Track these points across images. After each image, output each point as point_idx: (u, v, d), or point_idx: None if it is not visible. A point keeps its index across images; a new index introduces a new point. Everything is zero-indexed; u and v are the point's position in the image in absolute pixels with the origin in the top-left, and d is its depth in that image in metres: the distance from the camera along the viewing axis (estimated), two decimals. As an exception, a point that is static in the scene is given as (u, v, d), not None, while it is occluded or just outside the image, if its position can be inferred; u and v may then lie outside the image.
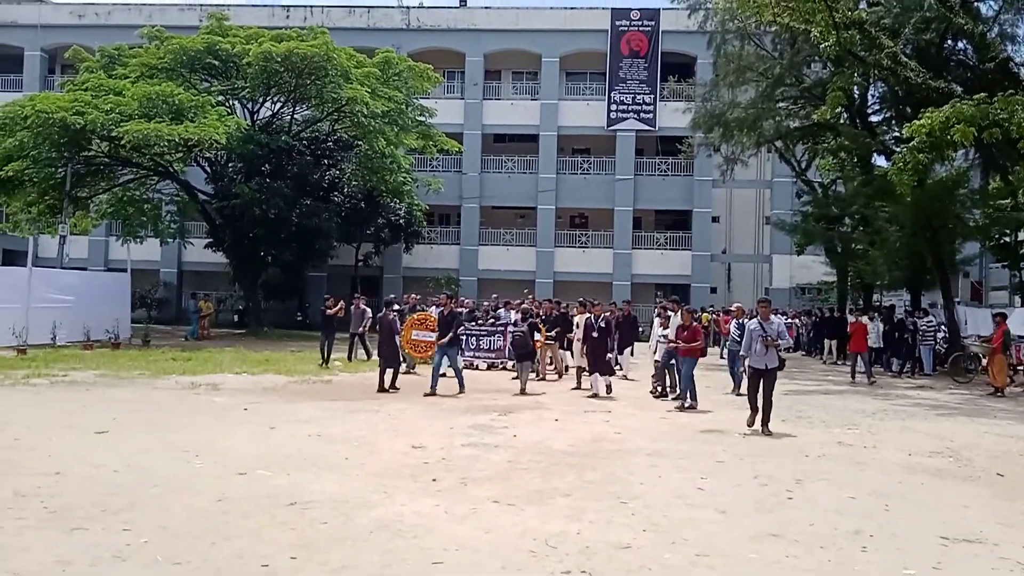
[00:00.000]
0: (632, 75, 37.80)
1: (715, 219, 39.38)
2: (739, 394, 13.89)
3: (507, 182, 39.06)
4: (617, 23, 37.89)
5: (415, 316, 16.33)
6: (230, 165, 29.29)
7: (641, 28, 37.84)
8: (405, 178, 30.21)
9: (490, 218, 39.52)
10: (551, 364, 17.90)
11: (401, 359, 15.41)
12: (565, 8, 38.94)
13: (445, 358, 14.21)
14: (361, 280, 35.71)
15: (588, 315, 15.02)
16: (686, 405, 12.81)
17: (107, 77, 26.72)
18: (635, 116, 37.94)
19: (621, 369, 17.58)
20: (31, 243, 20.99)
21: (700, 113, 26.93)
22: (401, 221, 34.37)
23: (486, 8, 39.75)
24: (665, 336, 14.42)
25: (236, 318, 35.09)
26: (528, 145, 39.42)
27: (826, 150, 28.39)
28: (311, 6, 39.46)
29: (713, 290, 38.93)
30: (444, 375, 14.24)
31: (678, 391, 13.68)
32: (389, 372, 14.26)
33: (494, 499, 6.70)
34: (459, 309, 17.01)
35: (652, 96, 37.76)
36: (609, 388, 14.54)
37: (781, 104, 25.49)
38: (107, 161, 27.77)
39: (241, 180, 27.66)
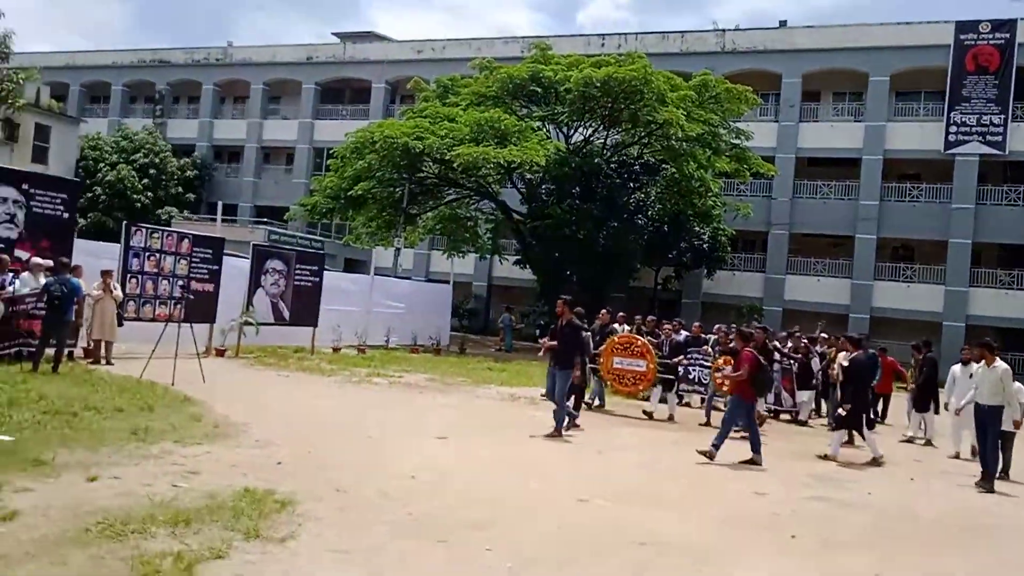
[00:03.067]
0: (978, 93, 33.62)
1: (1077, 255, 33.66)
2: None
3: (821, 208, 36.56)
4: (962, 36, 33.94)
5: (617, 339, 14.01)
6: (543, 187, 30.42)
7: (992, 41, 33.55)
8: (715, 202, 29.30)
9: (800, 246, 37.20)
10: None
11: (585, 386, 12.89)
12: (899, 23, 35.64)
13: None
14: (659, 304, 35.33)
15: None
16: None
17: (441, 105, 29.01)
18: (979, 138, 33.69)
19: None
20: (372, 255, 23.25)
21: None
22: (705, 246, 33.50)
23: (808, 27, 37.71)
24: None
25: (538, 332, 36.27)
26: (847, 170, 36.61)
27: None
28: (625, 33, 40.07)
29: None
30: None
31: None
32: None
33: (874, 574, 5.83)
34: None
35: (1002, 116, 33.29)
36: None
37: None
38: (436, 182, 30.06)
39: (554, 201, 28.55)
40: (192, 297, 14.38)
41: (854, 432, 11.61)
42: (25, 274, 12.27)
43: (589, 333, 13.07)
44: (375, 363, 18.31)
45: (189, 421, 8.96)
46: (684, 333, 17.54)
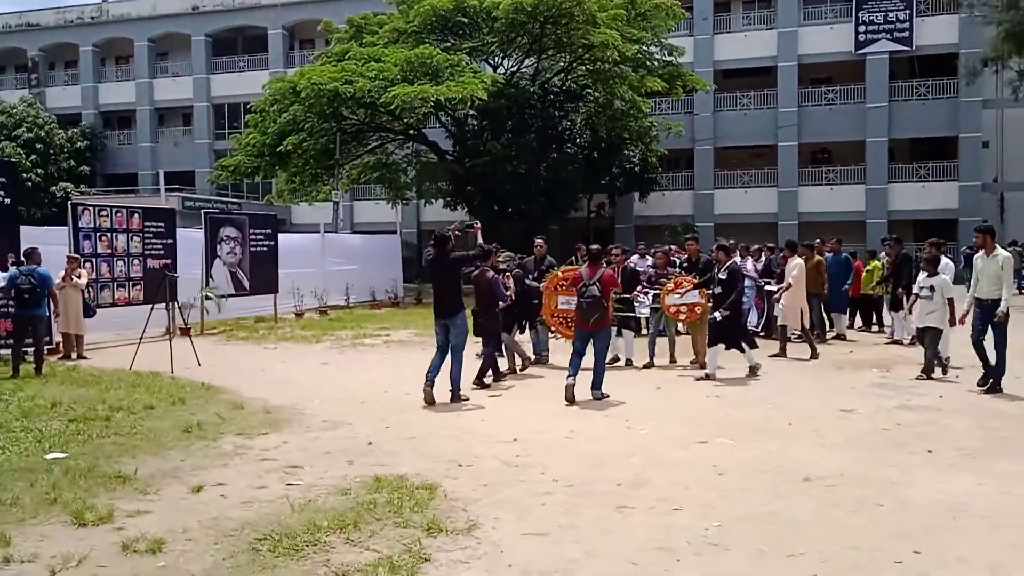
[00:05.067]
0: (884, -10, 34.23)
1: (985, 144, 35.19)
2: None
3: (742, 120, 36.89)
4: (864, -66, 34.34)
5: (560, 272, 11.15)
6: (470, 123, 29.46)
7: (893, -63, 34.07)
8: (650, 123, 29.08)
9: (725, 160, 37.62)
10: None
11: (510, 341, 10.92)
12: (803, -78, 35.74)
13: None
14: (593, 232, 35.22)
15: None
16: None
17: (359, 46, 27.46)
18: (887, 36, 34.45)
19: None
20: (289, 212, 21.80)
21: (1010, 21, 23.67)
22: (636, 169, 33.38)
23: (714, -68, 37.30)
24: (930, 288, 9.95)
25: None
26: (763, 79, 36.97)
27: None
28: (531, -46, 38.73)
29: (985, 223, 34.97)
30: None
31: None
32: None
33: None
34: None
35: (907, 12, 34.08)
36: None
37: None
38: (362, 128, 28.68)
39: (488, 137, 27.70)
40: (178, 276, 13.17)
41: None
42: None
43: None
44: (348, 324, 17.47)
45: (232, 410, 8.15)
46: (636, 258, 17.37)
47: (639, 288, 11.53)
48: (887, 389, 9.23)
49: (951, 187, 34.40)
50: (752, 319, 14.71)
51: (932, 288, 9.75)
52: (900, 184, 35.11)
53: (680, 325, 11.90)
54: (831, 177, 36.40)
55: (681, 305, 11.19)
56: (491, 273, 9.76)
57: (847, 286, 14.34)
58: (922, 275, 10.10)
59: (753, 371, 10.23)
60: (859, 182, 35.48)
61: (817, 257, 13.60)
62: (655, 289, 11.81)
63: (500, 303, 9.75)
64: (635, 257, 17.29)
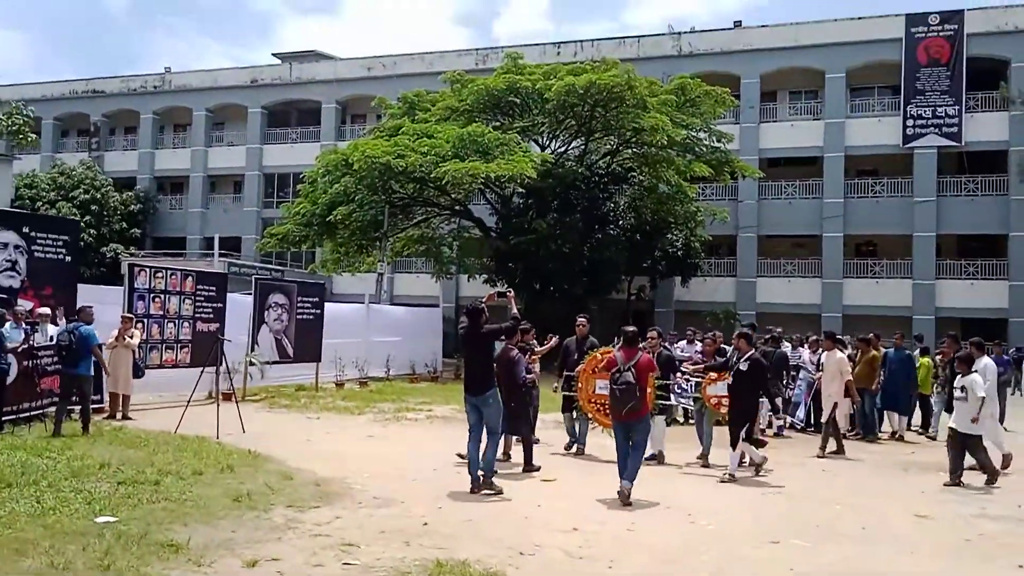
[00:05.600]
0: (932, 85, 34.35)
1: (1035, 243, 34.65)
2: None
3: (787, 209, 36.80)
4: (913, 30, 34.69)
5: (599, 354, 10.27)
6: (514, 200, 29.75)
7: (942, 33, 34.37)
8: (697, 207, 29.14)
9: (769, 248, 37.40)
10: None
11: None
12: (851, 19, 36.26)
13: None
14: (633, 314, 34.96)
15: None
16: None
17: (411, 122, 28.10)
18: (936, 131, 34.41)
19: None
20: (331, 282, 21.91)
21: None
22: (679, 253, 33.32)
23: (762, 27, 38.01)
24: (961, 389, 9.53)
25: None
26: (809, 169, 37.01)
27: None
28: (581, 41, 39.81)
29: (1034, 324, 34.19)
30: None
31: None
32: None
33: None
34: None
35: (956, 107, 34.11)
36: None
37: None
38: (409, 202, 29.10)
39: (533, 215, 27.91)
40: (230, 340, 13.19)
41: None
42: (7, 325, 10.70)
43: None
44: (389, 396, 17.30)
45: (282, 480, 7.96)
46: (683, 344, 16.88)
47: (680, 375, 10.87)
48: (958, 495, 8.77)
49: (1001, 285, 33.71)
50: (800, 414, 14.24)
51: (963, 388, 9.33)
52: (948, 280, 34.49)
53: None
54: (877, 270, 35.93)
55: (724, 397, 10.11)
56: (515, 352, 9.35)
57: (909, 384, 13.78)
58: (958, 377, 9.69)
59: (757, 468, 9.59)
60: (906, 276, 34.93)
61: (872, 352, 13.22)
62: (698, 377, 10.79)
63: (521, 384, 9.34)
64: (683, 343, 17.01)
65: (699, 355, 13.12)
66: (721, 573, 5.54)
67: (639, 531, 6.70)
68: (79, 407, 10.64)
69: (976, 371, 9.56)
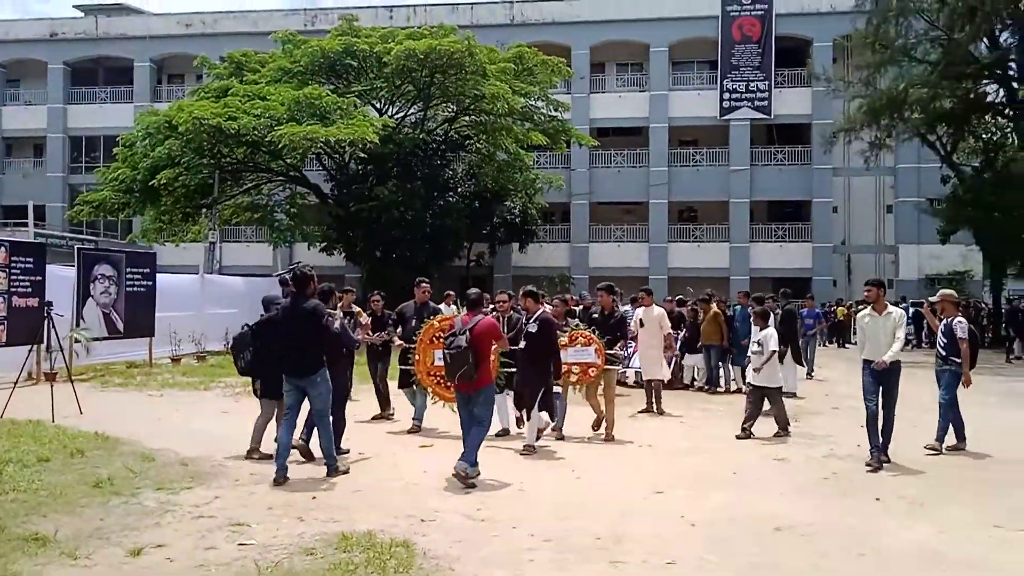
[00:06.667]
0: (745, 61, 36.67)
1: (834, 209, 38.03)
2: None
3: (616, 177, 38.25)
4: (728, 8, 36.75)
5: (437, 322, 9.24)
6: (352, 167, 28.96)
7: (753, 12, 36.65)
8: (535, 175, 29.60)
9: (600, 215, 38.74)
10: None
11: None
12: (674, -5, 37.87)
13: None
14: (472, 280, 35.24)
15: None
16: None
17: (239, 83, 26.57)
18: (749, 104, 36.83)
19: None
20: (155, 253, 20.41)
21: (869, 96, 25.75)
22: (517, 220, 33.83)
23: (591, -1, 38.90)
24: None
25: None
26: (636, 139, 38.57)
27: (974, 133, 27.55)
28: (414, 5, 39.14)
29: (834, 283, 37.64)
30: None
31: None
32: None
33: None
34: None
35: (767, 82, 36.62)
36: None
37: (945, 83, 24.25)
38: (240, 167, 27.62)
39: (374, 182, 27.29)
40: (62, 315, 11.96)
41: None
42: None
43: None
44: (230, 370, 16.26)
45: (142, 462, 7.38)
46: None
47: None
48: (805, 438, 9.50)
49: (805, 247, 36.83)
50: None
51: (759, 343, 9.62)
52: (761, 243, 37.23)
53: (574, 389, 9.78)
54: (698, 235, 38.17)
55: (573, 364, 9.29)
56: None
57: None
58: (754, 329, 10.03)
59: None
60: (724, 240, 37.35)
61: (714, 309, 14.02)
62: None
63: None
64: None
65: None
66: (621, 524, 5.69)
67: (531, 490, 6.77)
68: None
69: (770, 326, 9.91)
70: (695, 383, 14.57)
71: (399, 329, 9.96)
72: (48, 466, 7.09)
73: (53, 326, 11.01)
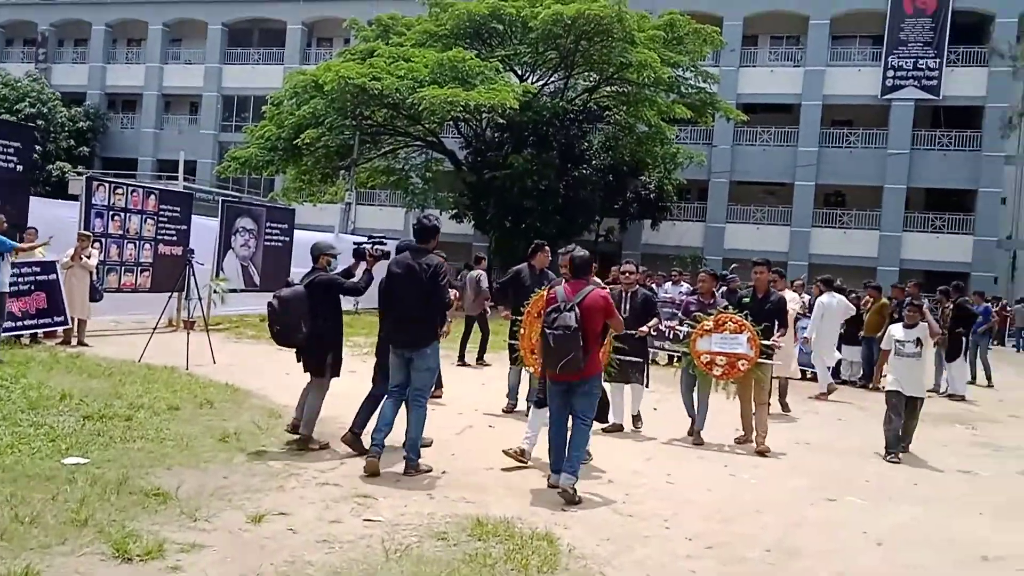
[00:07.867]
0: (915, 36, 33.80)
1: (1003, 200, 34.77)
2: None
3: (760, 155, 36.30)
4: (901, -23, 33.99)
5: (546, 292, 6.67)
6: (488, 134, 28.62)
7: (929, -18, 33.74)
8: (677, 149, 28.39)
9: (740, 194, 36.94)
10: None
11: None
12: (839, -36, 35.35)
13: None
14: (600, 256, 34.35)
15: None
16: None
17: (384, 45, 26.61)
18: (915, 83, 34.00)
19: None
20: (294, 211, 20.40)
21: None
22: (651, 195, 32.67)
23: (748, -33, 36.86)
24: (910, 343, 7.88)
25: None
26: (785, 116, 36.46)
27: None
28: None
29: (995, 280, 34.51)
30: None
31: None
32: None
33: None
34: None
35: (938, 60, 33.66)
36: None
37: None
38: (379, 130, 27.78)
39: (509, 150, 26.87)
40: (203, 264, 12.15)
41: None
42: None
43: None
44: (360, 330, 16.38)
45: (269, 419, 7.17)
46: (668, 285, 15.69)
47: (660, 322, 8.23)
48: (989, 449, 8.35)
49: (966, 240, 33.89)
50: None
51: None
52: (914, 233, 34.56)
53: (717, 384, 7.84)
54: (845, 221, 35.83)
55: (717, 355, 7.61)
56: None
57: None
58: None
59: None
60: (873, 228, 34.89)
61: (883, 300, 12.77)
62: (688, 326, 7.99)
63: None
64: (668, 284, 16.07)
65: (691, 297, 9.94)
66: (792, 535, 4.92)
67: (680, 484, 6.07)
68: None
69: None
70: (851, 377, 13.31)
71: (507, 297, 8.59)
72: (177, 415, 6.96)
73: (193, 274, 11.07)
